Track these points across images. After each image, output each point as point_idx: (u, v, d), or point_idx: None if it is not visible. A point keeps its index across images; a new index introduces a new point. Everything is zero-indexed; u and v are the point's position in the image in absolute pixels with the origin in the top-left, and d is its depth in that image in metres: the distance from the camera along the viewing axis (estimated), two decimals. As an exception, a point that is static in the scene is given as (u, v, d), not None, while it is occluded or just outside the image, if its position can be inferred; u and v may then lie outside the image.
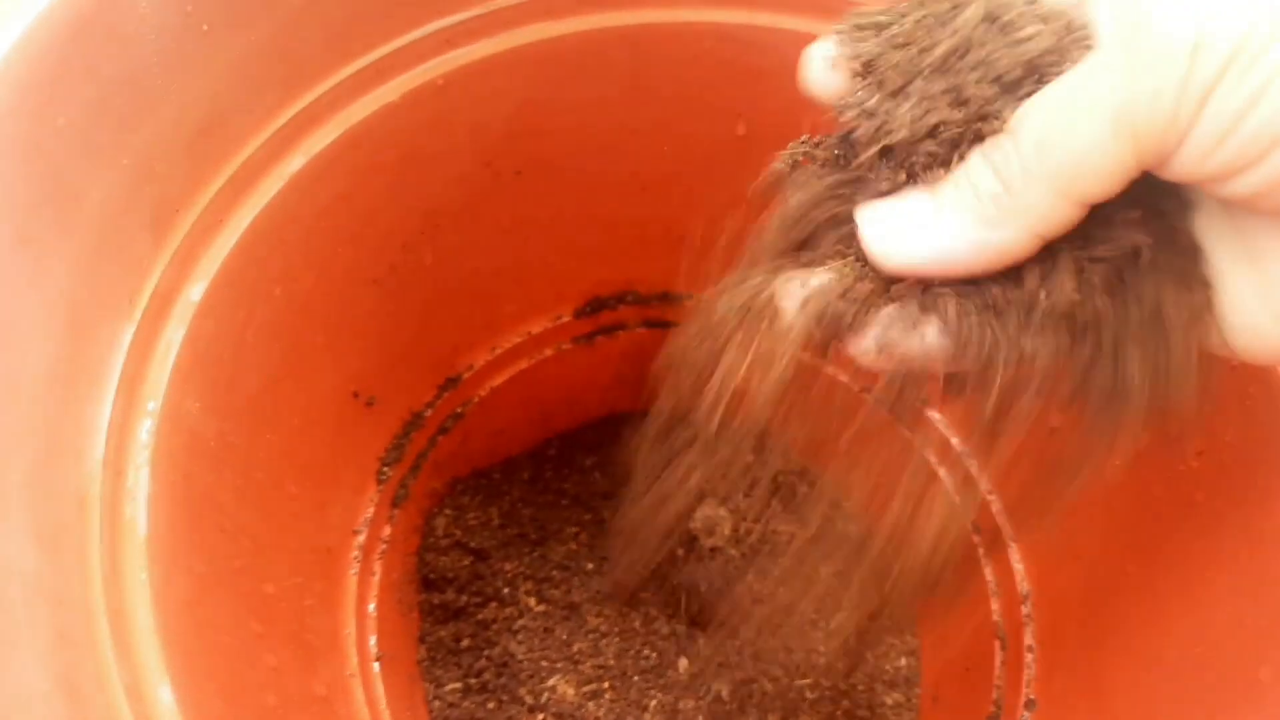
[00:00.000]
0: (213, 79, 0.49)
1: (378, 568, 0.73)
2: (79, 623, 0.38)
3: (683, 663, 0.81)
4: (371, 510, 0.73)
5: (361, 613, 0.70)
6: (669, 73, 0.70)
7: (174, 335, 0.49)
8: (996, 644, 0.77)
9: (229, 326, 0.53)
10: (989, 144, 0.35)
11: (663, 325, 0.88)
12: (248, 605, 0.54)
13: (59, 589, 0.38)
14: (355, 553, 0.71)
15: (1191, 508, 0.62)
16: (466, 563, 0.82)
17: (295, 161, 0.56)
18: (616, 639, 0.82)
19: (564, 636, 0.82)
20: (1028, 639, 0.74)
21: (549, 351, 0.85)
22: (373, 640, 0.70)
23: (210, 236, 0.51)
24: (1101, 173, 0.32)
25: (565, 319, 0.84)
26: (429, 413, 0.78)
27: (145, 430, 0.46)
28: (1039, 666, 0.73)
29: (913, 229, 0.37)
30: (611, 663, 0.81)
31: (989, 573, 0.79)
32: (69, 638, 0.37)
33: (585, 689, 0.79)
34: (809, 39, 0.68)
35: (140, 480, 0.45)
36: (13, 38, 0.39)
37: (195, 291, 0.50)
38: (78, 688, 0.36)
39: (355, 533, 0.71)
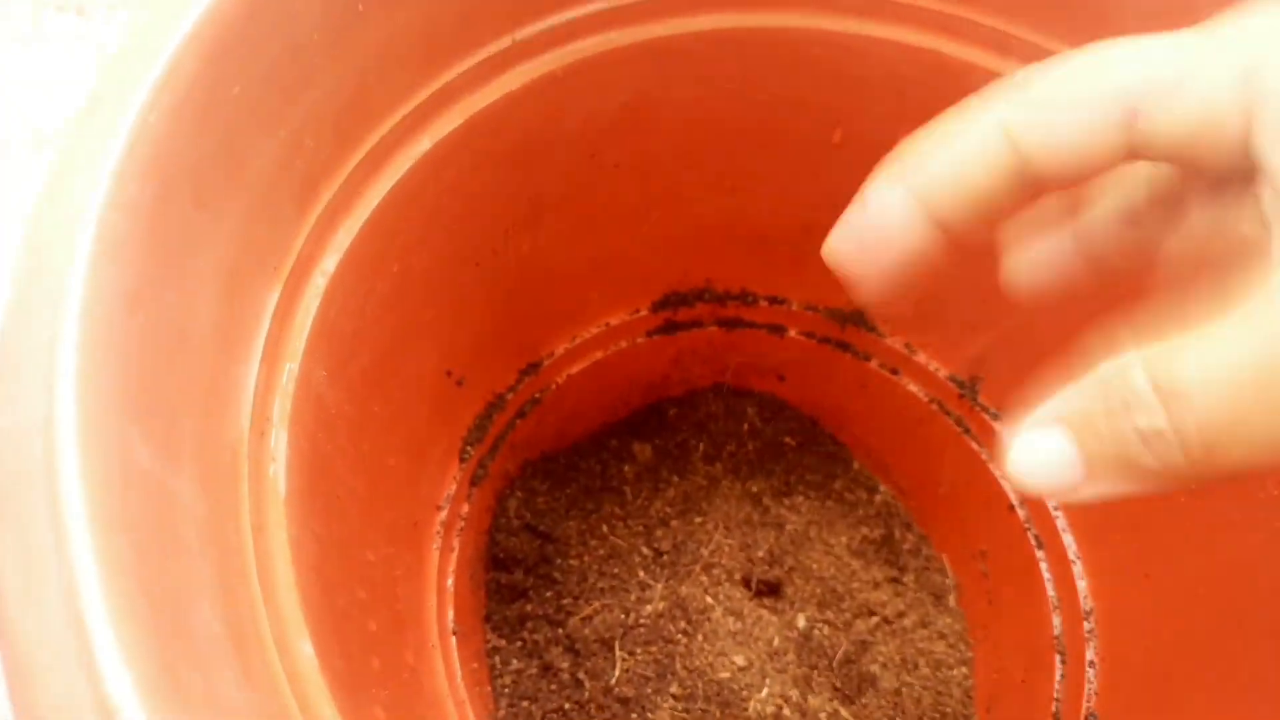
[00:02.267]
0: (361, 57, 0.51)
1: (456, 543, 0.75)
2: (237, 574, 0.40)
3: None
4: (454, 487, 0.74)
5: (441, 586, 0.71)
6: (772, 76, 0.71)
7: (310, 303, 0.50)
8: (1056, 658, 0.78)
9: (354, 298, 0.55)
10: (1133, 404, 0.30)
11: (737, 324, 0.89)
12: (355, 571, 0.56)
13: (223, 537, 0.39)
14: (438, 528, 0.72)
15: (1271, 536, 0.63)
16: (535, 545, 0.83)
17: (423, 144, 0.57)
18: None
19: (624, 619, 0.83)
20: (1090, 655, 0.75)
21: (624, 343, 0.87)
22: (450, 614, 0.71)
23: (346, 211, 0.53)
24: None
25: (643, 312, 0.86)
26: (510, 396, 0.79)
27: (284, 393, 0.47)
28: (1101, 683, 0.74)
29: (1055, 472, 0.34)
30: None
31: (1051, 588, 0.80)
32: (231, 586, 0.38)
33: (649, 670, 0.81)
34: (915, 51, 0.70)
35: (280, 441, 0.46)
36: (198, 11, 0.41)
37: (330, 262, 0.52)
38: (242, 635, 0.37)
39: (439, 508, 0.73)
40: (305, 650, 0.42)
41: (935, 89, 0.70)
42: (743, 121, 0.74)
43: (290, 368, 0.48)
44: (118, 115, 0.38)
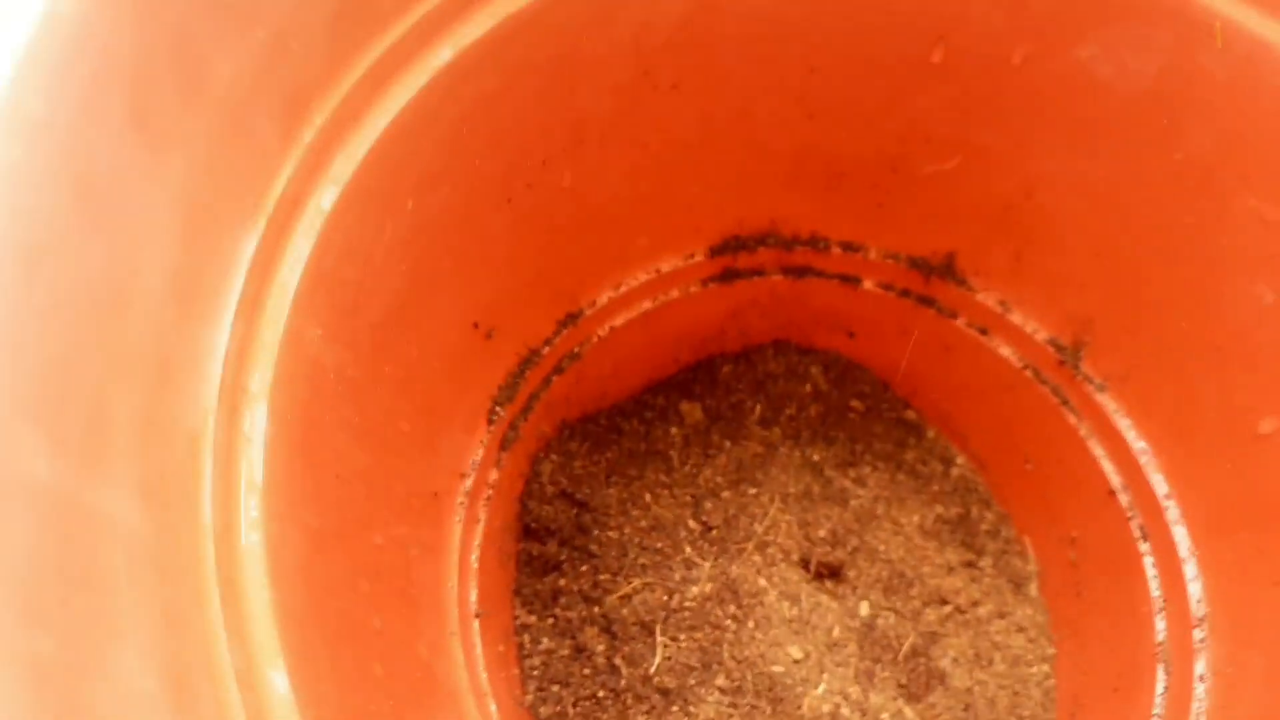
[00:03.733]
0: (363, -58, 0.41)
1: (482, 514, 0.67)
2: (188, 597, 0.31)
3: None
4: (481, 452, 0.66)
5: (464, 563, 0.64)
6: (863, -19, 0.59)
7: (301, 248, 0.41)
8: (1159, 667, 0.68)
9: (359, 240, 0.46)
10: None
11: (804, 273, 0.79)
12: (357, 561, 0.48)
13: (167, 555, 0.31)
14: (461, 498, 0.64)
15: None
16: (571, 514, 0.75)
17: (443, 53, 0.47)
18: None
19: (667, 600, 0.75)
20: (1200, 668, 0.66)
21: (676, 293, 0.77)
22: (474, 595, 0.64)
23: (344, 135, 0.43)
24: None
25: (698, 258, 0.76)
26: (546, 350, 0.70)
27: (265, 358, 0.39)
28: (1212, 701, 0.65)
29: None
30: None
31: (1156, 587, 0.70)
32: (177, 618, 0.30)
33: (693, 659, 0.73)
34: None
35: (257, 420, 0.37)
36: None
37: (326, 198, 0.42)
38: (186, 681, 0.29)
39: (463, 476, 0.64)
40: (278, 685, 0.33)
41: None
42: (828, 35, 0.62)
43: (273, 330, 0.39)
44: None
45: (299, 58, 0.39)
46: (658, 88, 0.60)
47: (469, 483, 0.65)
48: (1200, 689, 0.65)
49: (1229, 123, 0.58)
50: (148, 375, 0.32)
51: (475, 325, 0.61)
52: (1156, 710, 0.67)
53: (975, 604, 0.79)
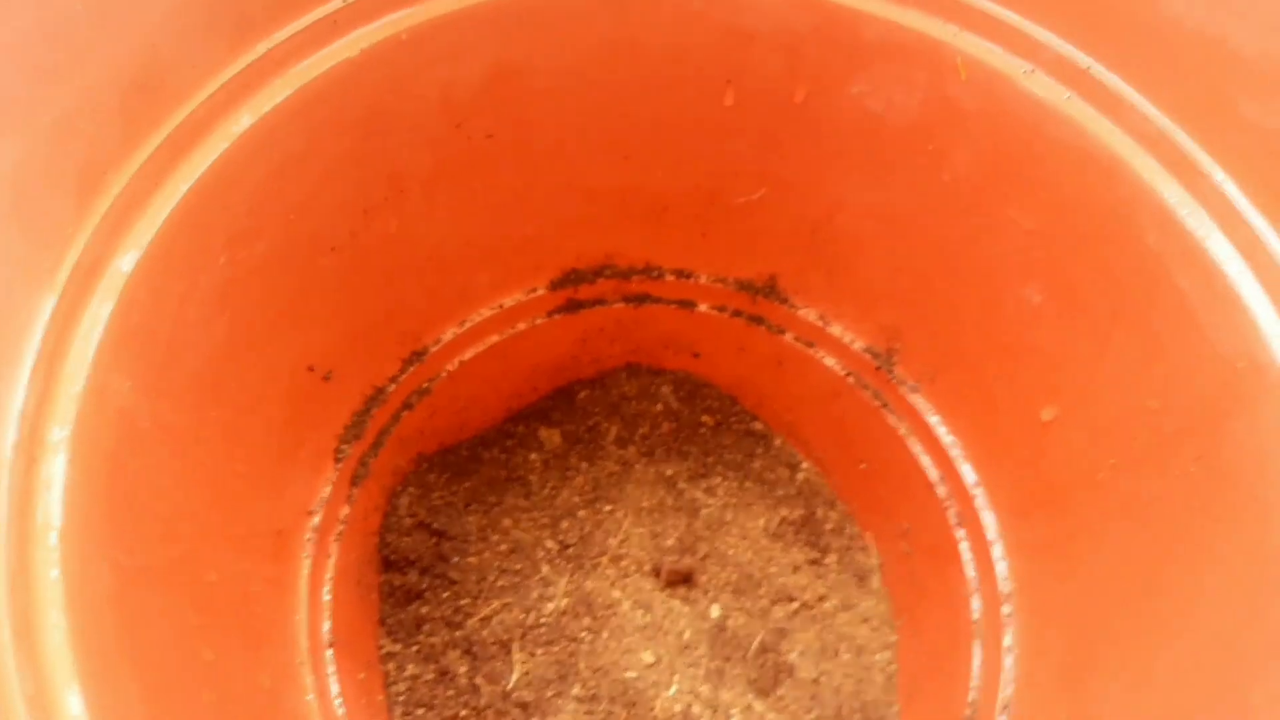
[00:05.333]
0: (149, 28, 0.45)
1: (334, 549, 0.70)
2: (-25, 631, 0.34)
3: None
4: (328, 489, 0.69)
5: (315, 597, 0.67)
6: (654, 35, 0.65)
7: (101, 309, 0.45)
8: (975, 643, 0.74)
9: (166, 298, 0.49)
10: None
11: (643, 300, 0.84)
12: (185, 596, 0.51)
13: (-50, 595, 0.34)
14: (309, 534, 0.67)
15: (1190, 515, 0.59)
16: (430, 544, 0.78)
17: (242, 120, 0.51)
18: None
19: (524, 618, 0.79)
20: (1007, 640, 0.72)
21: (522, 325, 0.82)
22: (326, 626, 0.67)
23: (144, 201, 0.47)
24: None
25: (540, 292, 0.80)
26: (393, 388, 0.74)
27: (64, 414, 0.42)
28: (1018, 670, 0.71)
29: None
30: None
31: (971, 569, 0.76)
32: (-40, 649, 0.33)
33: (549, 672, 0.76)
34: (804, 1, 0.64)
35: (56, 469, 0.41)
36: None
37: (126, 261, 0.46)
38: (-33, 706, 0.32)
39: (310, 514, 0.68)
40: (73, 706, 0.37)
41: (828, 42, 0.64)
42: (629, 85, 0.68)
43: (75, 385, 0.43)
44: None
45: (90, 136, 0.43)
46: (472, 138, 0.65)
47: (317, 519, 0.68)
48: (1008, 660, 0.71)
49: (982, 146, 0.65)
50: (-70, 433, 0.35)
51: (311, 369, 0.65)
52: (974, 682, 0.73)
53: (821, 599, 0.84)
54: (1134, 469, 0.66)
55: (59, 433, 0.42)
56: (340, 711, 0.64)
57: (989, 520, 0.75)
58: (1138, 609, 0.64)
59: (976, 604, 0.75)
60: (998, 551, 0.74)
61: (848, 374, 0.82)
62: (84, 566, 0.41)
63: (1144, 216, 0.60)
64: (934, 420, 0.78)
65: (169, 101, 0.48)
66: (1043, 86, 0.61)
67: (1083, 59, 0.60)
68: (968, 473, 0.77)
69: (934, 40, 0.63)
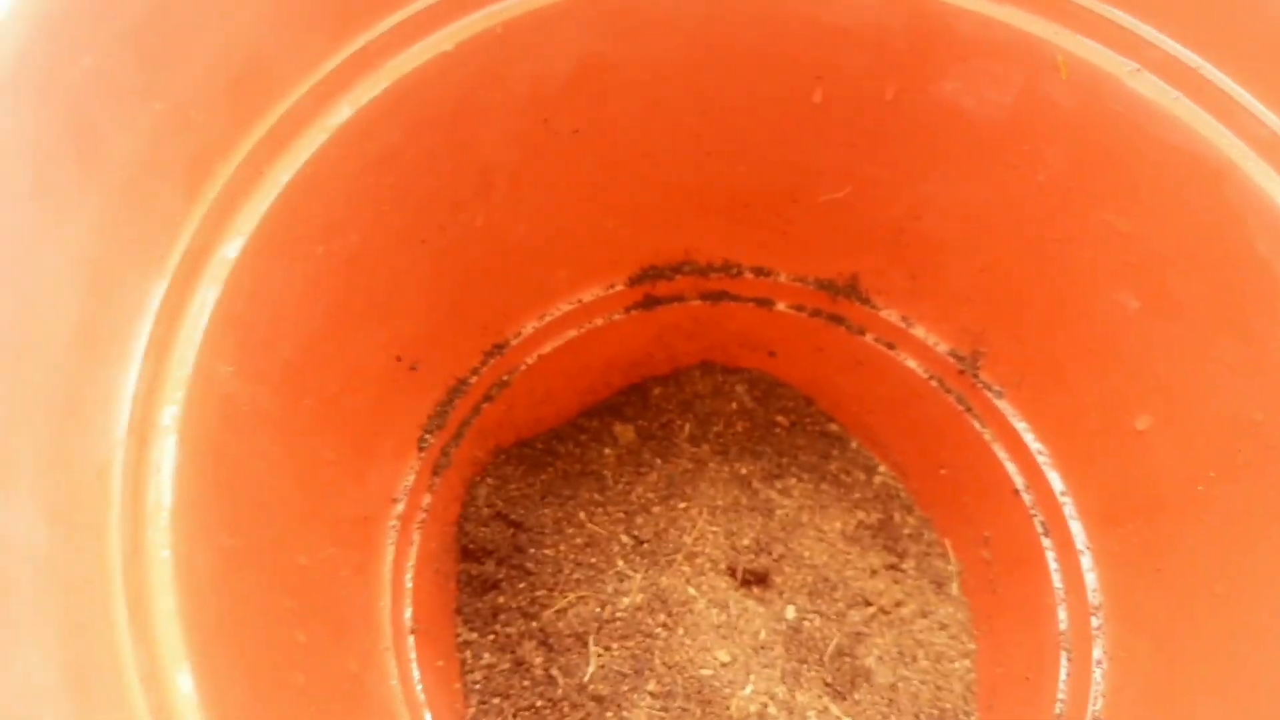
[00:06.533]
0: (254, 21, 0.46)
1: (416, 537, 0.71)
2: (94, 608, 0.35)
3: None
4: (412, 478, 0.70)
5: (398, 584, 0.68)
6: (743, 31, 0.65)
7: (207, 295, 0.46)
8: (1062, 654, 0.72)
9: (266, 286, 0.50)
10: None
11: (721, 297, 0.83)
12: (280, 579, 0.52)
13: (72, 572, 0.35)
14: (393, 522, 0.68)
15: (1294, 529, 0.57)
16: (507, 534, 0.79)
17: (341, 113, 0.52)
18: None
19: (599, 611, 0.79)
20: (1097, 653, 0.70)
21: (600, 321, 0.82)
22: (408, 613, 0.68)
23: (248, 190, 0.48)
24: None
25: (619, 287, 0.81)
26: (474, 379, 0.75)
27: (174, 396, 0.43)
28: (1108, 684, 0.69)
29: None
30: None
31: (1058, 579, 0.74)
32: (81, 625, 0.34)
33: (625, 666, 0.76)
34: (899, -5, 0.63)
35: (166, 450, 0.42)
36: (37, -32, 0.36)
37: (231, 248, 0.47)
38: (88, 679, 0.33)
39: (394, 501, 0.69)
40: (183, 685, 0.38)
41: (919, 38, 0.63)
42: (716, 80, 0.67)
43: (182, 369, 0.44)
44: (-66, 94, 0.33)
45: (199, 125, 0.44)
46: (558, 134, 0.66)
47: (401, 507, 0.69)
48: (1098, 673, 0.69)
49: (1079, 146, 0.63)
50: (54, 413, 0.36)
51: (399, 358, 0.66)
52: (1061, 695, 0.71)
53: (899, 604, 0.83)
54: (1234, 481, 0.64)
55: (169, 415, 0.43)
56: (422, 698, 0.65)
57: (1077, 529, 0.73)
58: (1234, 623, 0.62)
59: (1063, 615, 0.73)
60: (1087, 562, 0.72)
61: (930, 377, 0.81)
62: (191, 547, 0.42)
63: (1254, 222, 0.57)
64: (1021, 426, 0.76)
65: (272, 93, 0.48)
66: (1149, 86, 0.59)
67: (1192, 59, 0.58)
68: (1055, 480, 0.75)
69: (1032, 37, 0.61)
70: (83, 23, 0.37)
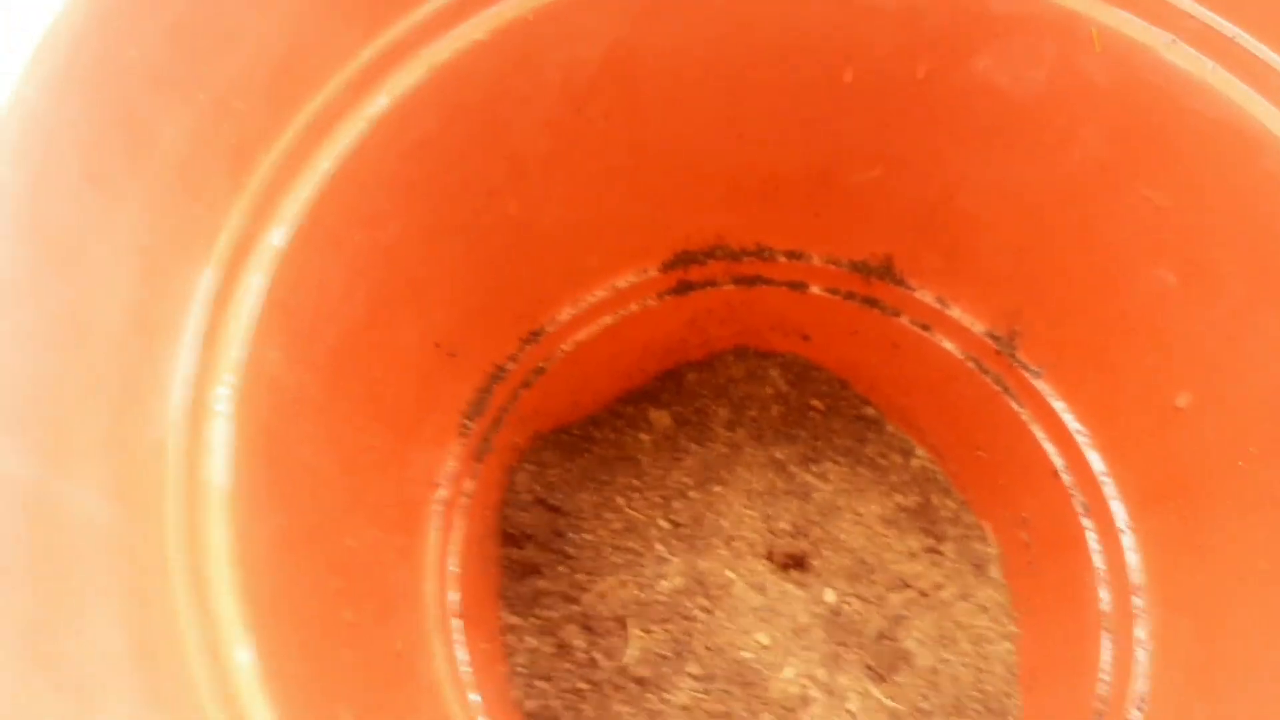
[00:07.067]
0: (292, 13, 0.47)
1: (459, 522, 0.72)
2: (155, 581, 0.37)
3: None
4: (453, 464, 0.71)
5: (441, 567, 0.69)
6: (771, 11, 0.65)
7: (255, 282, 0.47)
8: (1104, 635, 0.72)
9: (311, 273, 0.51)
10: None
11: (754, 281, 0.84)
12: (328, 560, 0.53)
13: (135, 546, 0.36)
14: (436, 506, 0.69)
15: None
16: (547, 519, 0.80)
17: (379, 101, 0.53)
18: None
19: (639, 594, 0.79)
20: (1139, 633, 0.69)
21: (634, 307, 0.82)
22: (451, 595, 0.69)
23: (291, 179, 0.49)
24: None
25: (652, 273, 0.81)
26: (512, 366, 0.76)
27: (226, 380, 0.44)
28: (1152, 664, 0.68)
29: None
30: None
31: (1099, 560, 0.74)
32: (144, 598, 0.36)
33: (665, 649, 0.77)
34: (930, -27, 0.63)
35: (220, 432, 0.43)
36: (87, -35, 0.37)
37: (277, 236, 0.48)
38: (152, 649, 0.34)
39: (436, 486, 0.70)
40: (243, 658, 0.39)
41: (951, 15, 0.63)
42: (745, 63, 0.68)
43: (234, 354, 0.45)
44: (-7, 88, 0.35)
45: (242, 116, 0.45)
46: (590, 120, 0.66)
47: (443, 492, 0.70)
48: (1141, 653, 0.69)
49: (1115, 120, 0.62)
50: (113, 394, 0.37)
51: (437, 345, 0.67)
52: (1103, 675, 0.71)
53: (938, 587, 0.83)
54: (1276, 457, 0.63)
55: (222, 396, 0.44)
56: (468, 679, 0.66)
57: (1118, 510, 0.73)
58: (1274, 594, 0.61)
59: (1105, 595, 0.73)
60: (1128, 542, 0.72)
61: (966, 358, 0.81)
62: (245, 525, 0.43)
63: (1295, 189, 0.57)
64: (1059, 406, 0.76)
65: (311, 84, 0.50)
66: (1185, 58, 0.59)
67: (1229, 28, 0.58)
68: (1095, 461, 0.74)
69: (1066, 10, 0.61)
70: (130, 18, 0.38)
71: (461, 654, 0.68)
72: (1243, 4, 0.57)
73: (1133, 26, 0.60)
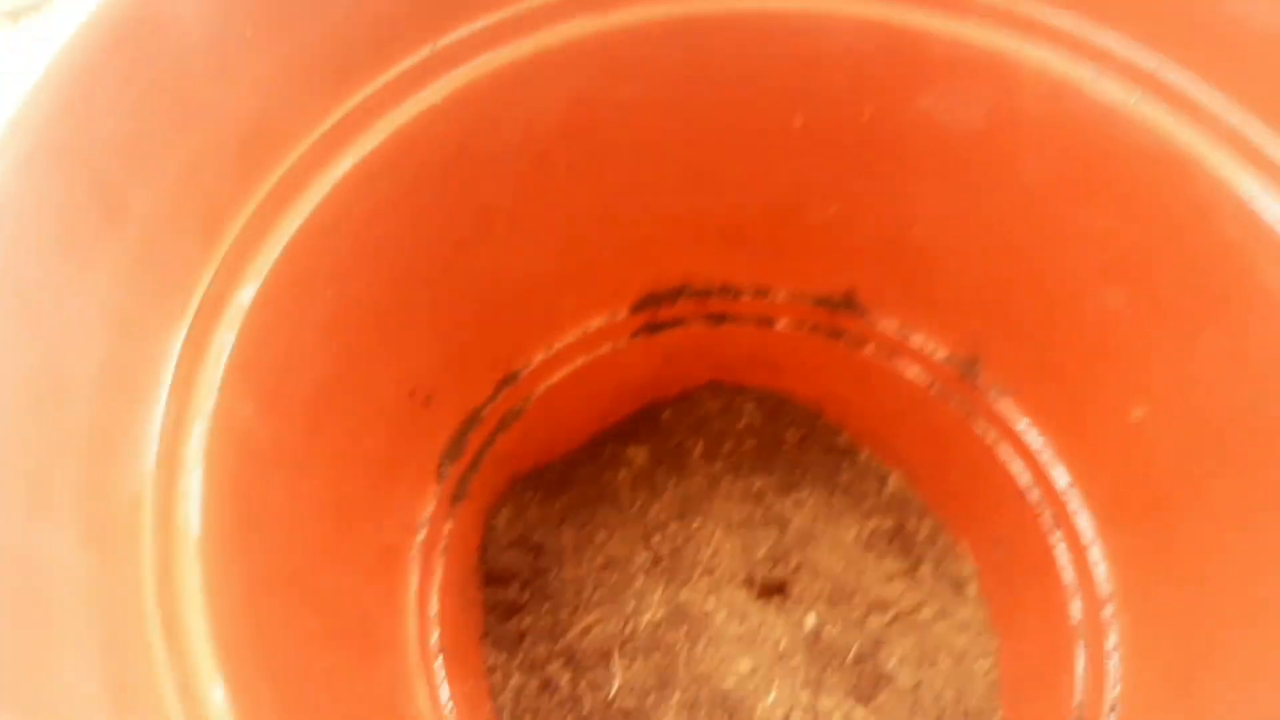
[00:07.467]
0: (259, 84, 0.50)
1: (439, 565, 0.73)
2: (130, 625, 0.39)
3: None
4: (432, 507, 0.73)
5: (423, 610, 0.70)
6: (721, 64, 0.68)
7: (225, 339, 0.49)
8: (1078, 646, 0.73)
9: (281, 328, 0.54)
10: None
11: (722, 319, 0.86)
12: (306, 604, 0.55)
13: (110, 592, 0.38)
14: (415, 550, 0.71)
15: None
16: (529, 559, 0.82)
17: (344, 164, 0.56)
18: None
19: (622, 628, 0.81)
20: (1110, 642, 0.71)
21: (606, 348, 0.85)
22: (434, 636, 0.70)
23: (260, 240, 0.52)
24: None
25: (622, 315, 0.84)
26: (487, 410, 0.78)
27: (198, 433, 0.47)
28: (1124, 670, 0.69)
29: None
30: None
31: (1069, 573, 0.75)
32: (119, 641, 0.38)
33: (650, 680, 0.78)
34: (864, 24, 0.66)
35: (193, 483, 0.45)
36: (54, 47, 0.40)
37: (246, 295, 0.51)
38: (127, 690, 0.36)
39: (416, 530, 0.72)
40: (217, 697, 0.41)
41: (891, 62, 0.66)
42: (700, 112, 0.71)
43: (205, 407, 0.47)
44: (-33, 169, 0.37)
45: (211, 182, 0.48)
46: (553, 173, 0.69)
47: (423, 536, 0.72)
48: (1112, 661, 0.70)
49: (1052, 152, 0.65)
50: (85, 449, 0.40)
51: (412, 393, 0.69)
52: (1078, 684, 0.72)
53: (917, 608, 0.84)
54: (1232, 467, 0.65)
55: (194, 450, 0.46)
56: (452, 718, 0.67)
57: (1084, 523, 0.75)
58: (1244, 606, 0.63)
59: (1076, 607, 0.74)
60: (1095, 554, 0.73)
61: (931, 384, 0.83)
62: (220, 572, 0.45)
63: (1222, 212, 0.59)
64: (1022, 426, 0.78)
65: (279, 149, 0.52)
66: (1110, 89, 0.62)
67: (1149, 59, 0.61)
68: (1059, 476, 0.76)
69: (997, 52, 0.64)
70: (101, 93, 0.41)
71: (445, 695, 0.69)
72: (1161, 35, 0.60)
73: (1059, 63, 0.63)
